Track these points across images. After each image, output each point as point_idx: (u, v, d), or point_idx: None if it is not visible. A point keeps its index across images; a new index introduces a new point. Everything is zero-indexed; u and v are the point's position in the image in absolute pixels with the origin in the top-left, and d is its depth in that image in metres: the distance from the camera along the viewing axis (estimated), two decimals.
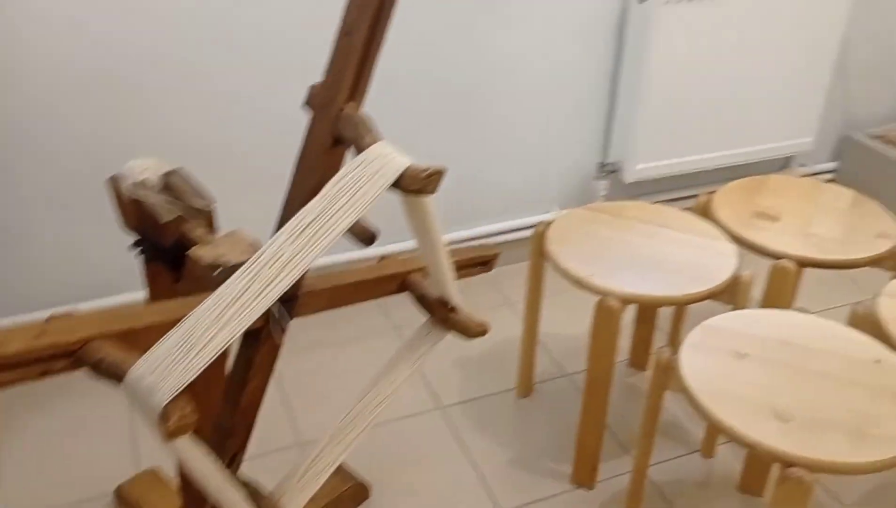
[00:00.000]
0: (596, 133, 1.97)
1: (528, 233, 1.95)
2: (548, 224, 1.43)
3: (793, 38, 1.92)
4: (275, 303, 0.73)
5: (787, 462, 0.97)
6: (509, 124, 1.87)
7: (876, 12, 2.11)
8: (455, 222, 1.93)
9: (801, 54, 1.95)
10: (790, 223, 1.47)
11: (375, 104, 1.70)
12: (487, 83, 1.80)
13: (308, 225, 0.70)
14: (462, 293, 0.96)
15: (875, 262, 1.39)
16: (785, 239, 1.41)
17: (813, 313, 1.26)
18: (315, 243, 0.69)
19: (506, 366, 1.70)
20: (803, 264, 1.37)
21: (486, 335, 1.77)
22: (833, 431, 1.00)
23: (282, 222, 0.81)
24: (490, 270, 1.15)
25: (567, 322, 1.83)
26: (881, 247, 1.40)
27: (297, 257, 0.69)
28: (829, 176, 2.31)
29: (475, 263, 1.11)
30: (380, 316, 1.83)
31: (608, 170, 1.96)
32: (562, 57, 1.84)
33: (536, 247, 1.44)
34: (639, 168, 1.92)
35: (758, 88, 1.96)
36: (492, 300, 1.89)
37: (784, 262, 1.36)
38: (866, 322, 1.23)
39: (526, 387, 1.63)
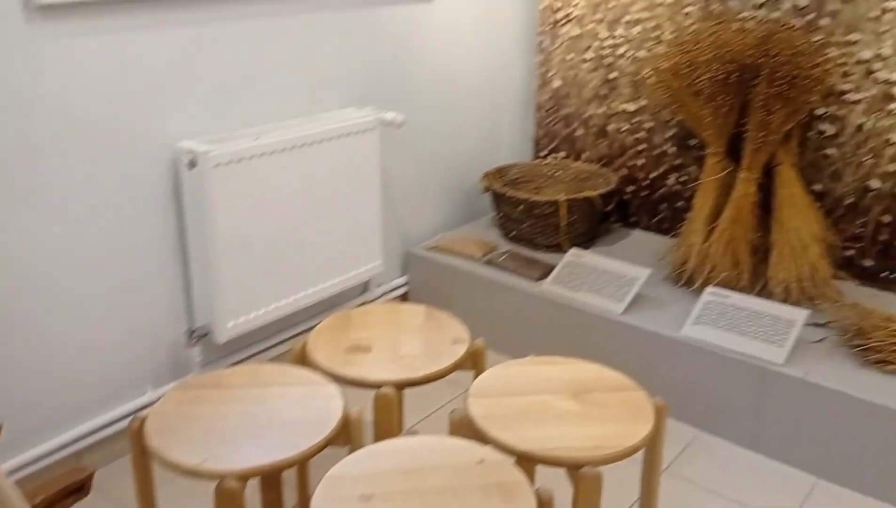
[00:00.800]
0: (177, 301, 1.90)
1: (126, 423, 1.78)
2: (143, 417, 1.32)
3: (342, 176, 2.11)
4: None
5: None
6: (80, 308, 1.71)
7: (400, 145, 2.42)
8: (32, 436, 1.68)
9: (352, 190, 2.15)
10: (381, 350, 1.57)
11: None
12: (44, 272, 1.63)
13: None
14: None
15: (458, 366, 1.55)
16: (380, 367, 1.51)
17: (423, 426, 1.34)
18: None
19: None
20: (401, 387, 1.47)
21: None
22: None
23: None
24: (88, 492, 1.01)
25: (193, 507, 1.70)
26: (459, 352, 1.56)
27: None
28: (403, 289, 2.55)
29: (67, 492, 0.96)
30: None
31: (198, 335, 1.90)
32: (120, 232, 1.75)
33: (135, 445, 1.31)
34: (230, 326, 1.90)
35: (324, 226, 2.09)
36: None
37: (384, 390, 1.45)
38: (463, 426, 1.36)
39: None
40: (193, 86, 1.84)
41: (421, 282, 2.53)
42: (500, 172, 2.68)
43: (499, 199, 2.53)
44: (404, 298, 2.57)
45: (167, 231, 1.85)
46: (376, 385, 1.46)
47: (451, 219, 2.72)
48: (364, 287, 2.41)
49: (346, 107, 2.21)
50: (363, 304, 2.40)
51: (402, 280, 2.56)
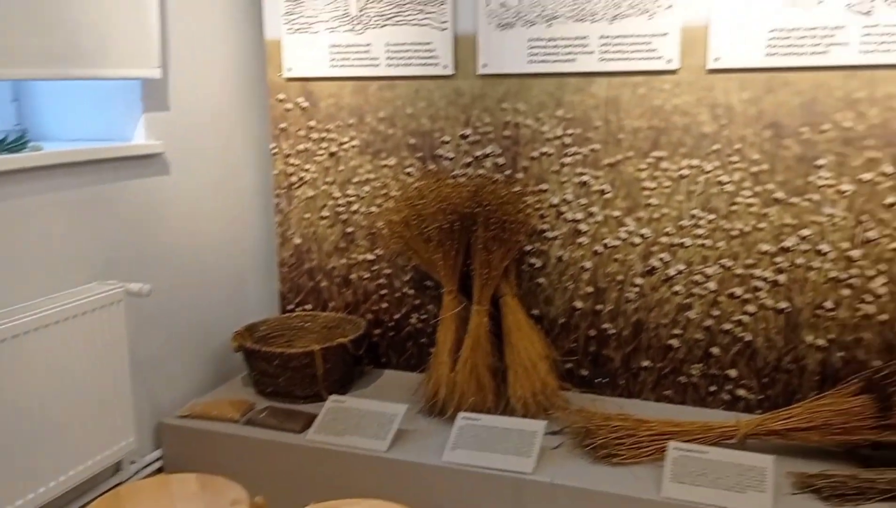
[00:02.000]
0: None
1: None
2: None
3: (87, 354, 2.04)
4: None
5: None
6: None
7: (147, 313, 2.39)
8: None
9: (98, 366, 2.08)
10: None
11: None
12: None
13: None
14: None
15: None
16: None
17: None
18: None
19: None
20: None
21: None
22: None
23: None
24: None
25: None
26: None
27: None
28: (159, 464, 2.44)
29: None
30: None
31: None
32: None
33: None
34: None
35: (71, 408, 1.99)
36: None
37: None
38: None
39: None
40: None
41: (178, 453, 2.44)
42: (249, 330, 2.72)
43: (252, 356, 2.57)
44: (160, 472, 2.46)
45: None
46: None
47: (203, 383, 2.68)
48: (117, 467, 2.28)
49: (88, 282, 2.16)
50: (117, 486, 2.26)
51: (157, 454, 2.45)
